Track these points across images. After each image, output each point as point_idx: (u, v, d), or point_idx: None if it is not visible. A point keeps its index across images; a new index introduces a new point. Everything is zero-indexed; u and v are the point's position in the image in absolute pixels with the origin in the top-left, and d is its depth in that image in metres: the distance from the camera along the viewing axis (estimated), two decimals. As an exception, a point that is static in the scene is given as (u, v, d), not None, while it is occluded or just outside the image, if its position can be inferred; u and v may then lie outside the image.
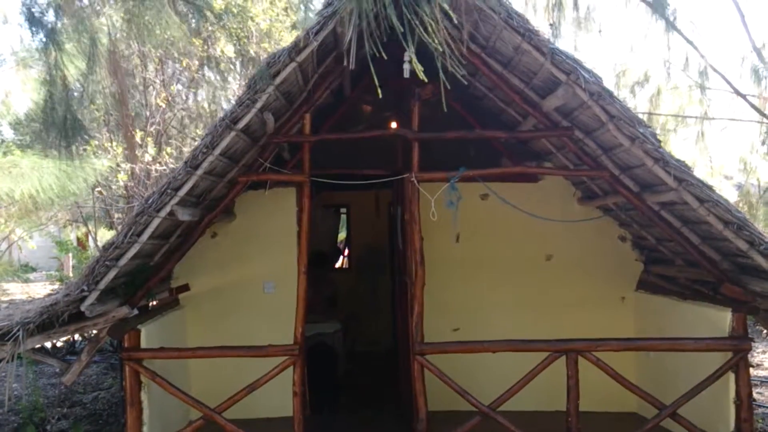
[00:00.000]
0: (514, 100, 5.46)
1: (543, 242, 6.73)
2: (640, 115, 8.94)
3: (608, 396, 5.86)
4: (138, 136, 9.26)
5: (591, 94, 4.66)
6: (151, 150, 9.16)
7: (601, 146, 5.30)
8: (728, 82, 10.47)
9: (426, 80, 4.42)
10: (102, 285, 4.74)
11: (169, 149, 9.48)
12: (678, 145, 11.69)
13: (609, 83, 7.20)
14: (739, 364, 5.07)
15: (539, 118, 5.44)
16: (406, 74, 4.81)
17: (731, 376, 5.09)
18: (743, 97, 10.49)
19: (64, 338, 9.06)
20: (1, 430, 5.46)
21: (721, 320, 5.20)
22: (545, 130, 5.53)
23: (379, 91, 4.36)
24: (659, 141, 4.79)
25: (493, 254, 6.76)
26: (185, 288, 6.52)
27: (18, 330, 4.71)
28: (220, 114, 6.07)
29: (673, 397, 5.11)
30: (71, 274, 15.68)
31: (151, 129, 9.63)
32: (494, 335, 5.52)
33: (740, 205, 11.39)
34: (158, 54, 9.55)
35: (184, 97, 10.77)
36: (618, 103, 4.71)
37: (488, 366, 5.89)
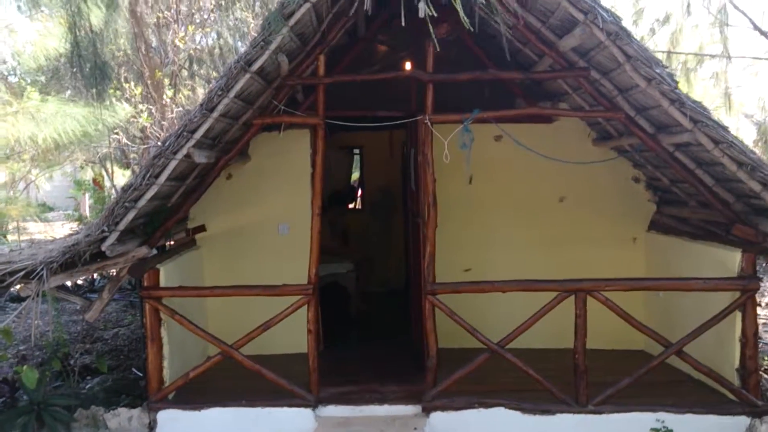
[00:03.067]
0: (530, 39, 5.37)
1: (556, 183, 6.74)
2: (660, 54, 8.76)
3: (616, 334, 5.96)
4: (157, 76, 9.24)
5: (608, 34, 4.58)
6: (168, 92, 9.15)
7: (617, 87, 5.25)
8: (750, 20, 10.20)
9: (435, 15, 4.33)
10: (122, 226, 4.85)
11: (185, 90, 9.46)
12: (698, 84, 11.47)
13: (627, 21, 7.02)
14: (747, 303, 5.15)
15: (555, 58, 5.36)
16: (421, 13, 4.71)
17: (738, 315, 5.17)
18: (765, 35, 10.22)
19: (84, 277, 9.30)
20: (27, 364, 5.71)
21: (730, 260, 5.25)
22: (561, 70, 5.45)
23: (395, 31, 4.29)
24: (676, 82, 4.73)
25: (506, 196, 6.80)
26: (201, 229, 6.64)
27: (42, 269, 4.86)
28: (234, 56, 6.04)
29: (681, 337, 5.22)
30: (88, 214, 15.93)
31: (167, 70, 9.59)
32: (505, 275, 5.60)
33: (758, 144, 11.27)
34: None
35: (197, 39, 10.66)
36: (635, 43, 4.64)
37: (498, 305, 6.00)
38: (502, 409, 5.19)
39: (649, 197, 6.75)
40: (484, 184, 6.64)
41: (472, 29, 4.43)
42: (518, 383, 5.36)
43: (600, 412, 5.13)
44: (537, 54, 5.85)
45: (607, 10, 4.56)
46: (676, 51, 11.12)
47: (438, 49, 4.88)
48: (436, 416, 5.23)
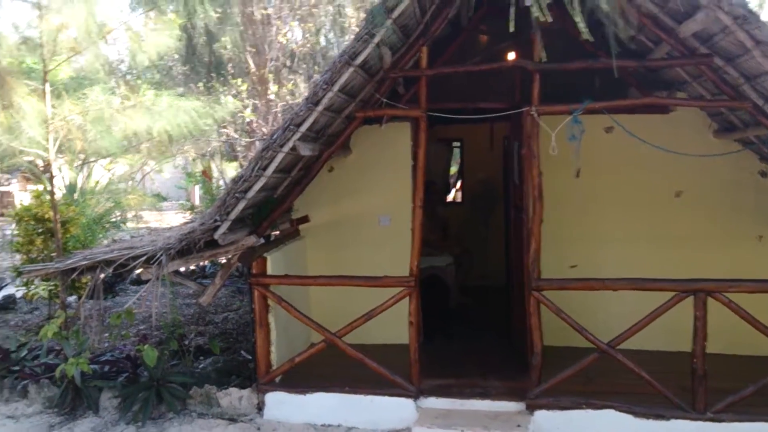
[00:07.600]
0: (646, 25, 5.09)
1: (672, 177, 6.33)
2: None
3: (737, 338, 5.55)
4: (262, 72, 9.58)
5: (735, 18, 4.26)
6: (273, 87, 9.46)
7: (743, 74, 4.87)
8: None
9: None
10: (233, 215, 5.07)
11: (290, 85, 9.73)
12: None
13: (753, 4, 6.51)
14: None
15: (674, 44, 5.04)
16: (528, 2, 4.59)
17: None
18: None
19: (197, 263, 9.83)
20: (148, 343, 6.10)
21: None
22: (680, 57, 5.13)
23: (510, 24, 4.21)
24: (812, 69, 4.34)
25: (617, 190, 6.46)
26: (305, 219, 6.81)
27: (161, 254, 5.17)
28: (335, 52, 6.15)
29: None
30: (198, 203, 16.79)
31: (271, 66, 9.90)
32: (613, 273, 5.38)
33: None
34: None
35: (299, 35, 10.94)
36: (765, 27, 4.28)
37: (606, 304, 5.78)
38: (611, 411, 4.99)
39: (778, 193, 6.24)
40: (592, 178, 6.37)
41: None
42: (628, 385, 5.14)
43: (720, 420, 4.82)
44: (653, 40, 5.53)
45: (733, -8, 4.24)
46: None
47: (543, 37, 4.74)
48: (541, 414, 5.11)
